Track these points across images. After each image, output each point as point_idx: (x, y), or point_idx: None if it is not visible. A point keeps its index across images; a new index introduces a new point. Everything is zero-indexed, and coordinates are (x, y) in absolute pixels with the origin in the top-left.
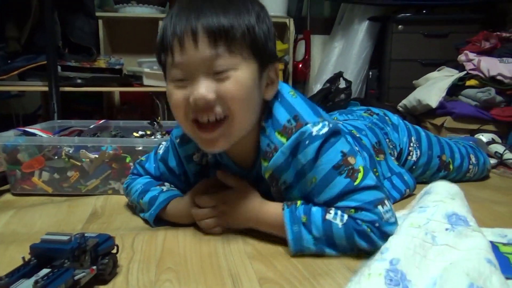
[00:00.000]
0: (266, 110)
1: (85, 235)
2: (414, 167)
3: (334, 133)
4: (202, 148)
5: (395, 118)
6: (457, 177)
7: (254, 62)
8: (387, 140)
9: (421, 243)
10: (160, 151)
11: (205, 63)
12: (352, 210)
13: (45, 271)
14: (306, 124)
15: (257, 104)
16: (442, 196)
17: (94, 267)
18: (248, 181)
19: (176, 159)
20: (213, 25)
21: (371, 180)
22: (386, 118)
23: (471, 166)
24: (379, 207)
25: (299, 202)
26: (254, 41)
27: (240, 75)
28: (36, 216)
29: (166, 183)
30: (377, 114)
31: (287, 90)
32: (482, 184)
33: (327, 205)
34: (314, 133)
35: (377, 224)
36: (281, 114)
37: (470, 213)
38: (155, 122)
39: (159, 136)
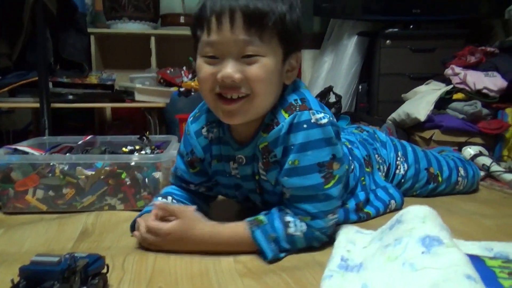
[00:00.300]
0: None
1: (75, 255)
2: (402, 180)
3: (337, 132)
4: (221, 119)
5: (383, 136)
6: (447, 190)
7: (280, 50)
8: (376, 155)
9: (400, 275)
10: None
11: (237, 46)
12: (309, 217)
13: None
14: (310, 109)
15: (277, 87)
16: (413, 223)
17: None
18: (242, 157)
19: (185, 141)
20: (250, 8)
21: (335, 191)
22: (375, 135)
23: (460, 178)
24: (329, 216)
25: (262, 220)
26: (284, 30)
27: (267, 61)
28: (25, 235)
29: (169, 197)
30: (367, 132)
31: (302, 84)
32: (470, 197)
33: (291, 197)
34: (313, 120)
35: (324, 230)
36: (290, 95)
37: (444, 229)
38: (144, 137)
39: (148, 151)
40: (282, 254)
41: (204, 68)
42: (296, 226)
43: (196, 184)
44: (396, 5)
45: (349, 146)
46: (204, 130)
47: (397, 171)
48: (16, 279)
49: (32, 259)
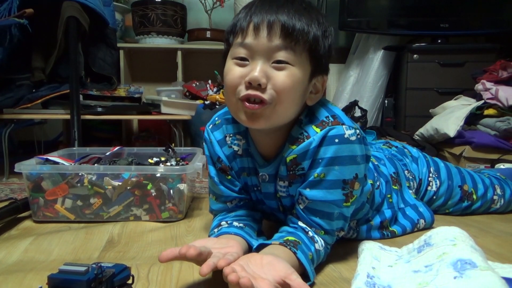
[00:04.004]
0: (307, 111)
1: (102, 265)
2: (434, 197)
3: (364, 150)
4: (243, 122)
5: (414, 151)
6: (482, 208)
7: (308, 67)
8: (406, 171)
9: None
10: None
11: (270, 50)
12: (322, 232)
13: None
14: (343, 124)
15: (299, 102)
16: (443, 246)
17: None
18: (265, 174)
19: (210, 150)
20: (287, 23)
21: (350, 211)
22: (405, 150)
23: (495, 197)
24: (337, 232)
25: (297, 240)
26: (315, 50)
27: (295, 71)
28: (54, 243)
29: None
30: (396, 147)
31: (328, 102)
32: (505, 217)
33: (306, 209)
34: (345, 136)
35: (332, 244)
36: (321, 113)
37: (477, 251)
38: (169, 149)
39: (173, 163)
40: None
41: (233, 70)
42: (318, 242)
43: (237, 192)
44: (423, 20)
45: (375, 163)
46: (228, 139)
47: (429, 188)
48: (45, 287)
49: (61, 268)
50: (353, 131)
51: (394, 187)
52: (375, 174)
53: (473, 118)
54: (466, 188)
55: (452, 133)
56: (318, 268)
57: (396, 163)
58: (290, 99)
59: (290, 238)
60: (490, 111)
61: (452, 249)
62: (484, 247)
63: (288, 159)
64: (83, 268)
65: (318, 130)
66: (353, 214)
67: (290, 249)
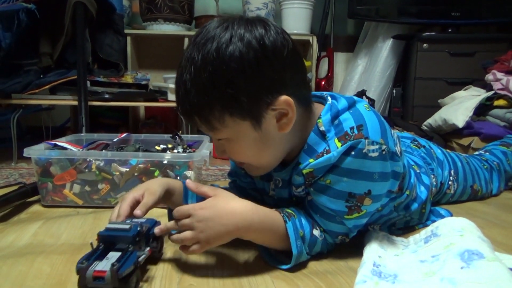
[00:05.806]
0: (331, 114)
1: (140, 222)
2: (450, 199)
3: (394, 172)
4: None
5: (439, 152)
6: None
7: (244, 124)
8: (432, 176)
9: None
10: None
11: (207, 132)
12: (321, 229)
13: (113, 254)
14: (366, 138)
15: (273, 145)
16: (451, 237)
17: (149, 248)
18: (279, 179)
19: None
20: (186, 110)
21: (353, 223)
22: (432, 151)
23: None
24: (339, 237)
25: (293, 213)
26: (234, 110)
27: (235, 143)
28: (62, 227)
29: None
30: (424, 147)
31: (362, 104)
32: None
33: (311, 203)
34: (364, 150)
35: (332, 244)
36: (348, 121)
37: (485, 242)
38: (176, 136)
39: (180, 150)
40: (304, 257)
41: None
42: (318, 231)
43: (246, 182)
44: (434, 8)
45: (418, 171)
46: None
47: (448, 191)
48: (95, 243)
49: (107, 226)
50: (376, 146)
51: (430, 198)
52: (414, 183)
53: (482, 109)
54: (475, 187)
55: (460, 123)
56: (324, 257)
57: (429, 170)
58: (259, 156)
59: (289, 210)
60: (500, 102)
61: (460, 239)
62: (491, 238)
63: (304, 171)
64: (127, 226)
65: (339, 144)
66: (376, 219)
67: (282, 216)
